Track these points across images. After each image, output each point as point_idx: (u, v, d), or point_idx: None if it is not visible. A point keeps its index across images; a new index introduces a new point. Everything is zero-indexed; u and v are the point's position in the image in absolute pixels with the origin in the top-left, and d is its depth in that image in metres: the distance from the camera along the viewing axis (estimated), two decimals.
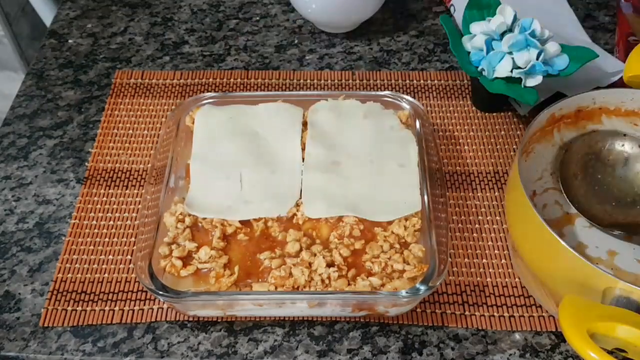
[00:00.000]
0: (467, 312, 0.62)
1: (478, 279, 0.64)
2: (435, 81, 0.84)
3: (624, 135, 0.67)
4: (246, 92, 0.82)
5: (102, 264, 0.65)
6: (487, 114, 0.80)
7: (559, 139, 0.68)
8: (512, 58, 0.71)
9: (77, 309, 0.62)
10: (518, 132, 0.77)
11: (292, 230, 0.62)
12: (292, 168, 0.67)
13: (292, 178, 0.66)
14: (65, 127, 0.79)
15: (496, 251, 0.66)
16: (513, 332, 0.61)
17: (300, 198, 0.65)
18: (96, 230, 0.68)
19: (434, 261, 0.58)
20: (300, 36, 0.92)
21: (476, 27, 0.74)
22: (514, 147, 0.76)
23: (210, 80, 0.85)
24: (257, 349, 0.59)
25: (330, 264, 0.59)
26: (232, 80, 0.85)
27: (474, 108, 0.80)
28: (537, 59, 0.71)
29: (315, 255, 0.60)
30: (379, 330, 0.61)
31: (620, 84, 0.74)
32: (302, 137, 0.70)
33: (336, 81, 0.84)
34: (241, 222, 0.63)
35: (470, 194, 0.71)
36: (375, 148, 0.68)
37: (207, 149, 0.69)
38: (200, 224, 0.63)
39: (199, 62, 0.87)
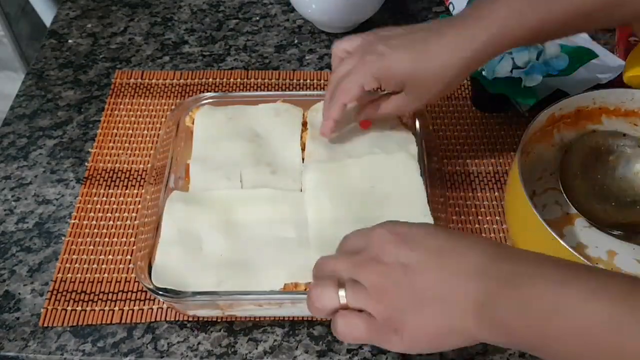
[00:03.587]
0: None
1: None
2: None
3: (624, 135, 0.67)
4: (246, 92, 0.82)
5: (102, 264, 0.65)
6: (487, 114, 0.80)
7: (559, 139, 0.68)
8: (512, 58, 0.71)
9: (77, 309, 0.62)
10: (518, 132, 0.77)
11: None
12: (292, 168, 0.67)
13: (292, 178, 0.66)
14: (65, 127, 0.79)
15: None
16: None
17: None
18: (96, 230, 0.68)
19: None
20: (300, 36, 0.91)
21: None
22: (514, 147, 0.76)
23: (210, 80, 0.85)
24: (256, 349, 0.59)
25: None
26: (232, 80, 0.85)
27: (474, 108, 0.80)
28: (537, 59, 0.71)
29: None
30: None
31: (620, 84, 0.74)
32: (302, 137, 0.70)
33: None
34: None
35: (470, 194, 0.71)
36: (375, 148, 0.68)
37: (207, 149, 0.69)
38: None
39: (199, 62, 0.87)
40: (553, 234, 0.52)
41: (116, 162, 0.75)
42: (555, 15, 0.55)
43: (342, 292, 0.44)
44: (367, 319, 0.44)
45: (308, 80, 0.84)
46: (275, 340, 0.60)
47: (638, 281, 0.40)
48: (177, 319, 0.61)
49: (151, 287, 0.57)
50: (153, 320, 0.61)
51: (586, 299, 0.39)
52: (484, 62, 0.59)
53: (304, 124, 0.72)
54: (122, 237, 0.67)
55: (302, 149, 0.69)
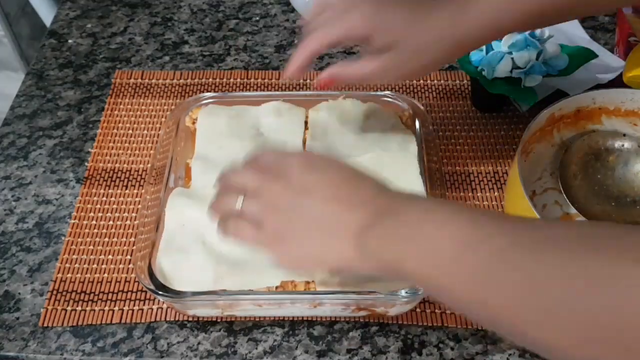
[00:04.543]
0: None
1: None
2: (435, 81, 0.84)
3: (624, 135, 0.67)
4: (246, 92, 0.82)
5: (102, 264, 0.65)
6: (487, 114, 0.80)
7: (558, 139, 0.68)
8: (512, 58, 0.71)
9: (77, 309, 0.62)
10: (518, 132, 0.77)
11: None
12: None
13: None
14: (65, 127, 0.79)
15: None
16: None
17: None
18: (96, 230, 0.68)
19: None
20: (300, 36, 0.91)
21: None
22: (514, 147, 0.76)
23: (210, 80, 0.85)
24: (256, 349, 0.59)
25: None
26: (232, 80, 0.85)
27: (474, 108, 0.80)
28: (537, 59, 0.71)
29: None
30: (378, 330, 0.60)
31: (620, 84, 0.74)
32: (303, 137, 0.70)
33: None
34: None
35: (470, 194, 0.71)
36: (376, 148, 0.68)
37: (209, 148, 0.69)
38: None
39: (199, 62, 0.87)
40: None
41: (116, 162, 0.75)
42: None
43: (240, 200, 0.49)
44: (257, 225, 0.48)
45: (308, 81, 0.84)
46: (275, 340, 0.60)
47: (489, 218, 0.42)
48: (177, 319, 0.61)
49: (151, 287, 0.57)
50: (153, 320, 0.61)
51: (441, 225, 0.42)
52: (477, 46, 0.60)
53: (305, 124, 0.72)
54: (122, 237, 0.67)
55: (303, 149, 0.69)
